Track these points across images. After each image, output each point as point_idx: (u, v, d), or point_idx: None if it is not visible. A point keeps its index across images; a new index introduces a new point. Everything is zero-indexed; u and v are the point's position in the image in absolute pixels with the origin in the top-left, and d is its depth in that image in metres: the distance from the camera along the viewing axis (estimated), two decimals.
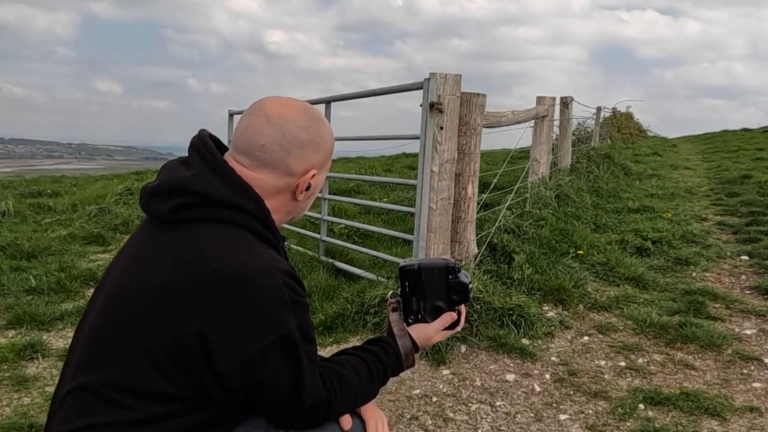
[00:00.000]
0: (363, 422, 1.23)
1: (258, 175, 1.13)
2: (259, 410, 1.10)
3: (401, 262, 1.34)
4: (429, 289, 1.30)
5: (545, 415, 2.37)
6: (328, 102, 4.23)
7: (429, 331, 1.31)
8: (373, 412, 1.26)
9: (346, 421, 1.19)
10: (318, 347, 1.17)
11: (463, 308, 1.34)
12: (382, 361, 1.24)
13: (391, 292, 1.35)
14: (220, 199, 1.07)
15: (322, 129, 1.20)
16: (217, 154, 1.12)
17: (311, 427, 1.13)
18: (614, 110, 15.41)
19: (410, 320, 1.32)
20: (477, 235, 3.78)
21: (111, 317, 1.08)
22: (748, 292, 3.82)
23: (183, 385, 1.03)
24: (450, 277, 1.29)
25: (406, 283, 1.30)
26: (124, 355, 1.04)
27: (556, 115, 6.81)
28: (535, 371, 2.74)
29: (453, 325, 1.33)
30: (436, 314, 1.31)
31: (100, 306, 1.11)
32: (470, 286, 1.31)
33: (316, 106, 4.63)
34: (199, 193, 1.07)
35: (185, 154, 1.17)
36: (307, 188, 1.19)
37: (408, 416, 2.36)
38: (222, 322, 1.01)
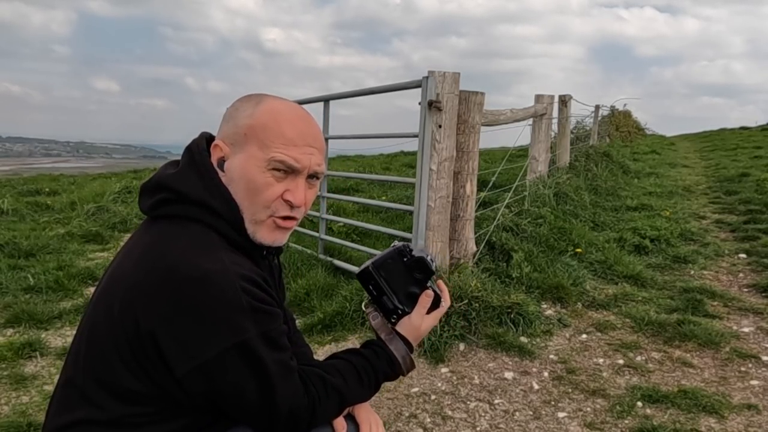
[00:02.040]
0: (357, 426, 1.20)
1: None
2: (234, 417, 1.06)
3: (357, 270, 1.26)
4: (393, 281, 1.23)
5: (543, 413, 2.38)
6: (326, 100, 4.22)
7: (415, 322, 1.24)
8: (367, 415, 1.23)
9: (340, 425, 1.16)
10: (313, 348, 1.15)
11: (441, 285, 1.28)
12: (373, 365, 1.19)
13: (364, 301, 1.29)
14: (193, 198, 1.07)
15: (245, 104, 1.13)
16: (206, 156, 1.11)
17: None
18: (613, 108, 15.42)
19: (393, 320, 1.26)
20: (476, 233, 3.78)
21: (97, 313, 1.08)
22: (746, 290, 3.82)
23: (150, 385, 1.01)
24: (405, 259, 1.22)
25: (370, 287, 1.24)
26: (99, 349, 1.04)
27: (555, 113, 6.82)
28: (534, 369, 2.74)
29: (437, 304, 1.27)
30: (414, 302, 1.25)
31: (93, 301, 1.13)
32: (428, 258, 1.24)
33: (314, 105, 4.58)
34: (176, 191, 1.08)
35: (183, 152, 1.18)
36: (220, 166, 1.10)
37: (407, 414, 2.36)
38: (172, 325, 0.97)
